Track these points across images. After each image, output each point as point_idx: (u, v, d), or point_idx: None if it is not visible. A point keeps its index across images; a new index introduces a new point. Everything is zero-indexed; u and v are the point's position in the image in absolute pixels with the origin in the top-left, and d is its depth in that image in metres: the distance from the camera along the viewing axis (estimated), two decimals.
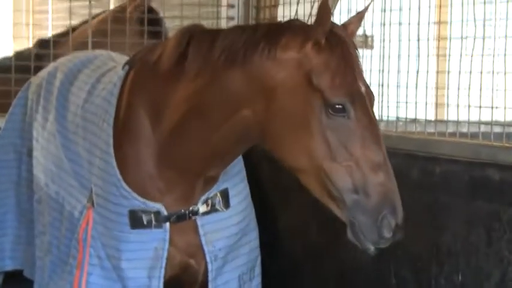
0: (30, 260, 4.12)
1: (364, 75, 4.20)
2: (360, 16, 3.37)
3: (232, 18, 5.02)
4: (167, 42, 3.55)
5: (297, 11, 4.61)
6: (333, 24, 3.28)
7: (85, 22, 5.31)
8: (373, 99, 3.23)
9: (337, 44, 3.20)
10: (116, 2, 5.77)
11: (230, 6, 5.03)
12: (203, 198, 3.57)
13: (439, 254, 3.51)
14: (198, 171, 3.52)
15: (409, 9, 4.02)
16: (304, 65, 3.17)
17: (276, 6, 4.89)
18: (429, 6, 3.99)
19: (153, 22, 5.20)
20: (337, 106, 3.12)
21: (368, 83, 4.14)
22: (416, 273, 3.59)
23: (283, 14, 4.76)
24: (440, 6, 4.18)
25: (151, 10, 5.29)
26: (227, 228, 3.65)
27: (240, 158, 3.71)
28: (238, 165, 3.69)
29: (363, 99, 3.16)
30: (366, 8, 3.38)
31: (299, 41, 3.19)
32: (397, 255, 3.63)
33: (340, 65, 3.17)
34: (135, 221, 3.53)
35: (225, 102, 3.30)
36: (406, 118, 4.09)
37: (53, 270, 3.83)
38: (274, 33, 3.22)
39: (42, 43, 5.36)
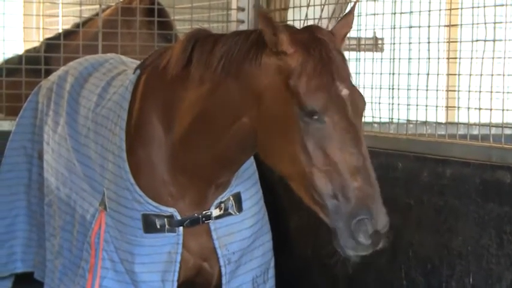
0: (41, 263, 4.16)
1: (375, 78, 4.23)
2: (348, 20, 3.36)
3: (242, 22, 5.03)
4: (174, 47, 3.56)
5: (306, 14, 4.63)
6: (317, 28, 3.32)
7: (95, 15, 5.37)
8: (361, 103, 3.19)
9: (316, 48, 3.20)
10: None
11: (240, 9, 5.04)
12: (216, 202, 3.59)
13: (449, 257, 3.52)
14: (208, 178, 3.54)
15: (420, 12, 4.03)
16: (283, 70, 3.19)
17: (286, 9, 4.90)
18: (439, 9, 4.00)
19: (159, 13, 5.22)
20: (313, 109, 3.12)
21: (378, 85, 4.16)
22: (427, 276, 3.60)
23: (293, 17, 4.77)
24: (450, 9, 4.17)
25: (157, 2, 5.34)
26: (240, 232, 3.67)
27: (253, 162, 3.72)
28: (250, 169, 3.71)
29: (340, 102, 3.14)
30: (353, 11, 3.37)
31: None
32: (408, 258, 3.64)
33: (317, 69, 3.16)
34: (148, 225, 3.55)
35: (225, 110, 3.34)
36: (416, 120, 4.10)
37: (65, 273, 3.87)
38: (263, 40, 3.23)
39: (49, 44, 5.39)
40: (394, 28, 4.19)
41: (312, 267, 4.23)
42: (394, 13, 4.16)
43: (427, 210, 3.59)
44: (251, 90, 3.24)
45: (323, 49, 3.20)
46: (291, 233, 4.22)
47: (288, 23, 4.76)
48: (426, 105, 4.04)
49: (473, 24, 3.84)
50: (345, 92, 3.15)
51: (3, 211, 4.30)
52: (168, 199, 3.56)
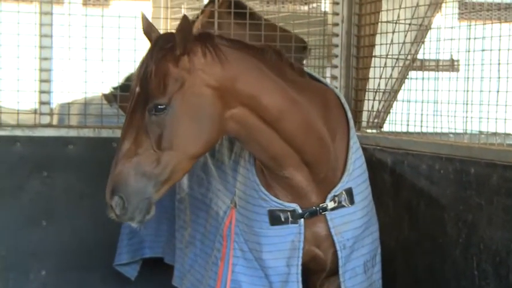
0: (172, 250, 4.26)
1: (451, 94, 4.23)
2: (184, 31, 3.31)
3: (336, 35, 5.08)
4: None
5: (392, 40, 4.64)
6: (161, 35, 3.42)
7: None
8: (144, 97, 3.26)
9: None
10: None
11: (334, 24, 5.08)
12: (330, 196, 3.64)
13: None
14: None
15: (491, 37, 4.02)
16: None
17: (374, 35, 4.90)
18: (509, 35, 3.98)
19: (239, 6, 5.28)
20: None
21: (454, 101, 4.16)
22: (496, 267, 3.60)
23: (380, 41, 4.78)
24: None
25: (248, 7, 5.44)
26: (353, 221, 3.70)
27: (363, 162, 3.77)
28: (360, 168, 3.75)
29: (129, 96, 3.34)
30: (186, 26, 3.30)
31: None
32: (480, 250, 3.65)
33: None
34: (274, 218, 3.62)
35: None
36: (487, 132, 4.09)
37: (195, 260, 3.97)
38: None
39: None
40: (469, 51, 4.19)
41: (395, 257, 4.25)
42: (469, 38, 4.15)
43: (496, 210, 3.59)
44: None
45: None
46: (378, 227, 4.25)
47: (376, 47, 4.80)
48: (496, 118, 4.02)
49: None
50: (136, 88, 3.31)
51: None
52: (280, 196, 3.63)
